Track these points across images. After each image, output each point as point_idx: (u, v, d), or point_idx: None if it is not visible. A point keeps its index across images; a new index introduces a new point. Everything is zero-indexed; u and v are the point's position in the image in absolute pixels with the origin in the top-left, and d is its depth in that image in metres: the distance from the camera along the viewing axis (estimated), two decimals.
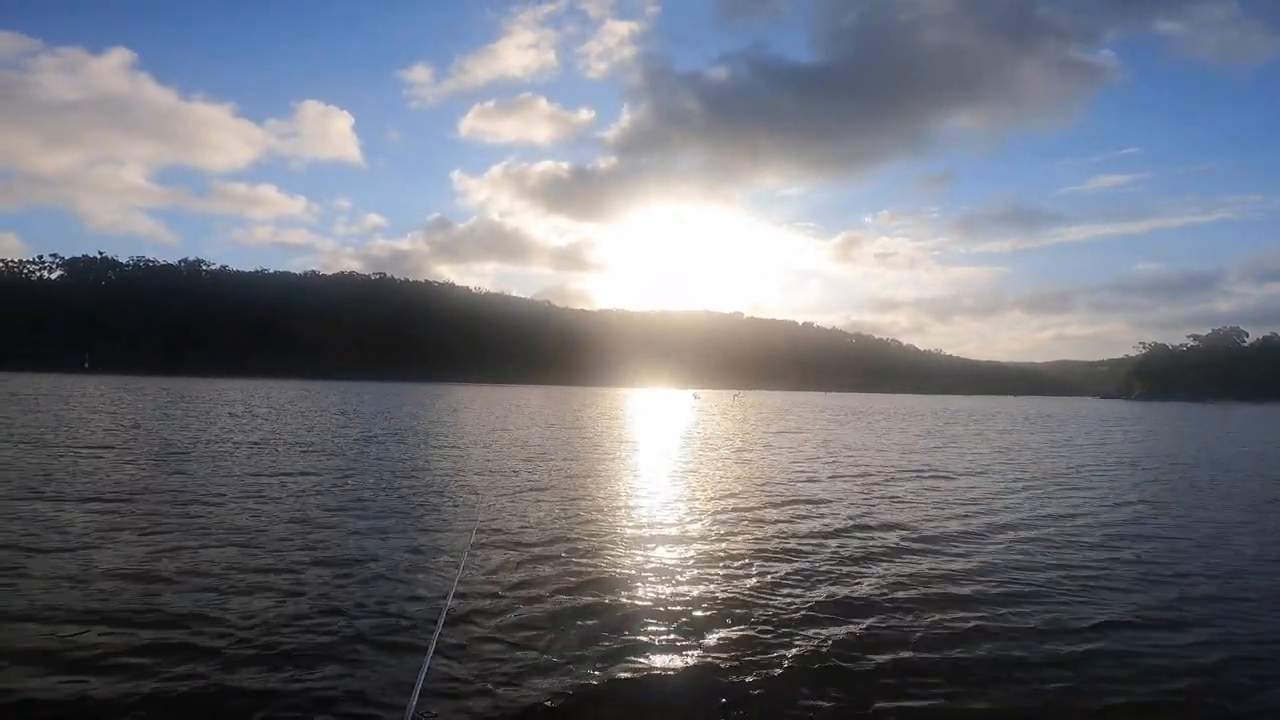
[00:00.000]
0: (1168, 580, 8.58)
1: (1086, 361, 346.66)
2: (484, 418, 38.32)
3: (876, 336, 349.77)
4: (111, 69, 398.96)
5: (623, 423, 39.29)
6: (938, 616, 6.93)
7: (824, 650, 5.96)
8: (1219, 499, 15.61)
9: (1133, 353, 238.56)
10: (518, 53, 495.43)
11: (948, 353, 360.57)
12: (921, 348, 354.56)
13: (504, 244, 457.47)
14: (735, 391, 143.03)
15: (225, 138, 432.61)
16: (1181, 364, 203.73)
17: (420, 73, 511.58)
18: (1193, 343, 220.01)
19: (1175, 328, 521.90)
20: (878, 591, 7.72)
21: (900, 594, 7.63)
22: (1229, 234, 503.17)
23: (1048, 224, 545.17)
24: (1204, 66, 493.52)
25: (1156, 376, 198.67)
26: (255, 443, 21.14)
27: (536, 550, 8.96)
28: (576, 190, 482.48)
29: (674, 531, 10.57)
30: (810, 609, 7.06)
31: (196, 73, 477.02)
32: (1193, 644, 6.43)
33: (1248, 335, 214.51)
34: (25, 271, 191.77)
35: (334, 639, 5.80)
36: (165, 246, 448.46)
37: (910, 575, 8.41)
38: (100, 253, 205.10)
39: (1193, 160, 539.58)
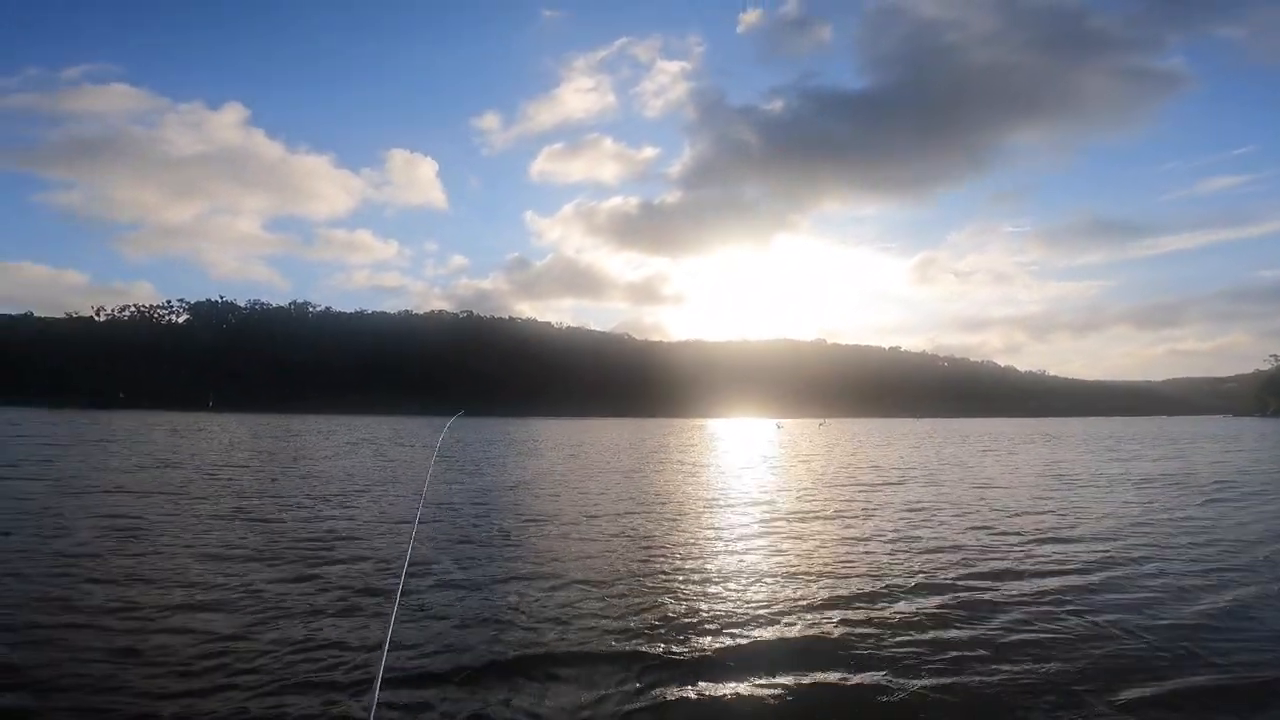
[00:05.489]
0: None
1: (1210, 378, 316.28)
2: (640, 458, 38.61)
3: (970, 359, 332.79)
4: (228, 124, 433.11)
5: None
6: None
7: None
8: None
9: (1263, 366, 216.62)
10: (578, 96, 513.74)
11: (1051, 373, 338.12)
12: (1021, 369, 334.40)
13: (579, 280, 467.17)
14: (820, 420, 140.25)
15: (327, 187, 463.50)
16: None
17: (490, 120, 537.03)
18: None
19: None
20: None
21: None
22: None
23: (1142, 233, 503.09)
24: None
25: None
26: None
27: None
28: (645, 225, 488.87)
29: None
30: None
31: (300, 125, 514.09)
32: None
33: None
34: (155, 316, 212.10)
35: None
36: (278, 291, 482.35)
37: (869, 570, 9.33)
38: (220, 297, 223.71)
39: None
